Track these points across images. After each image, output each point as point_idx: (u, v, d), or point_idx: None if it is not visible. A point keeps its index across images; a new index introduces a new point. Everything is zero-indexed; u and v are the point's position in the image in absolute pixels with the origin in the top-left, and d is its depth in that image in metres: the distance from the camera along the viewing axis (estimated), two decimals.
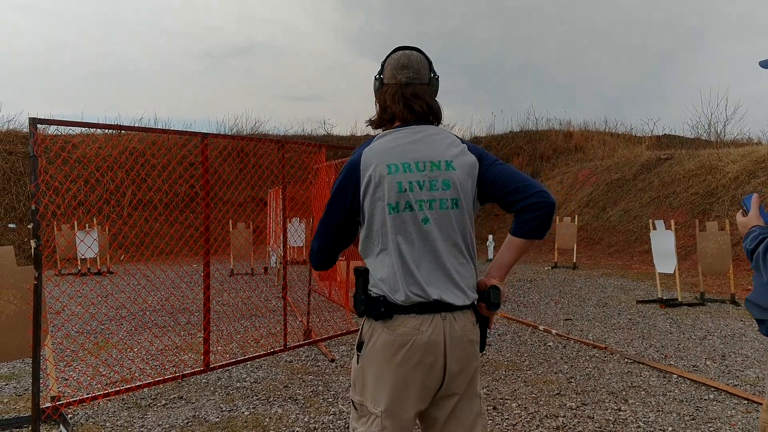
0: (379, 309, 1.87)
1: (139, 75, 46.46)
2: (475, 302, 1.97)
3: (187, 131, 5.06)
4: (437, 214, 1.91)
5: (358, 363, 1.96)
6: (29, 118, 3.46)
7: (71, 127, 3.97)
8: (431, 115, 2.02)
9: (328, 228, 2.02)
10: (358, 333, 1.99)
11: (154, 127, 21.26)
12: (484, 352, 2.07)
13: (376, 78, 2.08)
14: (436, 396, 1.95)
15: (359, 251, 1.99)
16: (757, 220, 2.15)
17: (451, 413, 1.97)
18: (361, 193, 1.91)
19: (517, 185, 1.92)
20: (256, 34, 64.61)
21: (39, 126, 3.59)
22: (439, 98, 2.08)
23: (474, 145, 2.04)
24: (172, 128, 12.95)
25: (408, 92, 1.99)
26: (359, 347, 1.96)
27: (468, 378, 1.96)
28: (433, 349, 1.87)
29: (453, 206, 1.92)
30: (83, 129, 16.37)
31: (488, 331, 2.04)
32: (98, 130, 17.48)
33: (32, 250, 3.56)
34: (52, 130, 17.17)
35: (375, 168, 1.90)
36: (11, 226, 16.82)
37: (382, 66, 2.06)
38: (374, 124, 2.09)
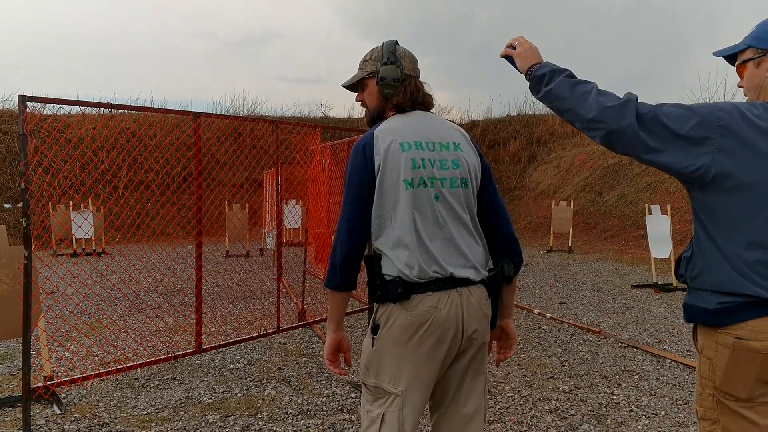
0: (396, 291, 1.86)
1: (137, 56, 45.95)
2: (485, 279, 2.01)
3: (179, 110, 5.00)
4: (448, 191, 1.94)
5: (373, 346, 1.94)
6: (18, 95, 3.42)
7: (66, 108, 3.92)
8: (430, 106, 2.11)
9: (354, 208, 1.93)
10: (372, 317, 1.97)
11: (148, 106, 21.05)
12: (495, 328, 2.11)
13: (396, 66, 2.01)
14: (450, 366, 1.99)
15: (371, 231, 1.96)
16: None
17: (458, 386, 2.00)
18: (377, 169, 1.90)
19: (508, 231, 2.07)
20: (259, 18, 63.92)
21: (35, 105, 3.55)
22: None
23: (473, 140, 2.10)
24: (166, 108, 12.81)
25: (420, 85, 2.08)
26: (374, 331, 1.93)
27: (476, 350, 1.99)
28: (452, 324, 1.89)
29: (462, 185, 1.96)
30: (77, 109, 16.23)
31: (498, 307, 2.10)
32: (92, 110, 17.31)
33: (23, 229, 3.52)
34: (47, 111, 17.00)
35: (389, 145, 1.91)
36: (6, 206, 16.73)
37: (395, 56, 2.03)
38: (376, 114, 2.09)
